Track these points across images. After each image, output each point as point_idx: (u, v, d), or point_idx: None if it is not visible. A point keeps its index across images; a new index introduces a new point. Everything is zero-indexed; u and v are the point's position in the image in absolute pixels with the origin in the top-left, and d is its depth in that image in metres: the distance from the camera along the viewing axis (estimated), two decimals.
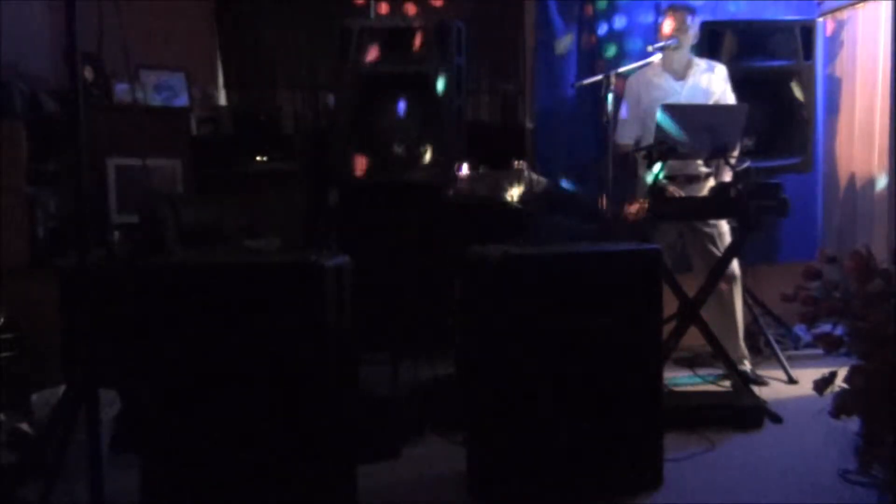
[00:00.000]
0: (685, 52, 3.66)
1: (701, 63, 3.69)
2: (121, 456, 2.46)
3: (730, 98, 3.66)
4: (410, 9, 4.71)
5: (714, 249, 3.56)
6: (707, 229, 3.61)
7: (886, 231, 4.12)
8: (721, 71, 3.69)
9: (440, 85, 3.66)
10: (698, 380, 3.72)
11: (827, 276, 2.30)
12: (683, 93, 3.64)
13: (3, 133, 3.14)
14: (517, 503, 2.38)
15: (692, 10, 3.64)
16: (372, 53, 3.71)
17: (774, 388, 3.58)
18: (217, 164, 4.26)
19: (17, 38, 3.47)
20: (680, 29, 3.57)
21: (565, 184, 4.24)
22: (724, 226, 3.62)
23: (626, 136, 3.70)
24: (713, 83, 3.66)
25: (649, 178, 3.26)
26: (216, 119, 4.59)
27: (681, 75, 3.67)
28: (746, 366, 3.65)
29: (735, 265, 3.59)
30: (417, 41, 3.81)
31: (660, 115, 3.29)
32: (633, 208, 3.27)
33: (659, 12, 4.19)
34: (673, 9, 3.64)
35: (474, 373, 2.44)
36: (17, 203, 3.16)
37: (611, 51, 4.28)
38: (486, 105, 5.13)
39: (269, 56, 4.95)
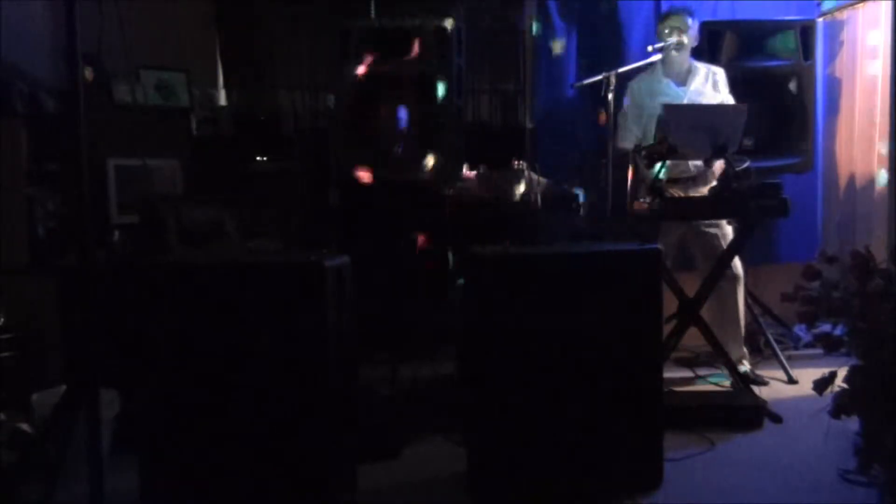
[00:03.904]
0: (686, 56, 3.65)
1: (701, 67, 3.69)
2: (121, 456, 2.47)
3: (729, 102, 3.65)
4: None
5: (722, 248, 3.55)
6: (711, 230, 3.61)
7: (886, 231, 4.11)
8: (721, 75, 3.68)
9: (440, 90, 3.66)
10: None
11: (827, 276, 2.31)
12: (685, 98, 3.64)
13: (2, 133, 3.13)
14: (517, 503, 2.38)
15: (691, 12, 3.64)
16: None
17: (774, 388, 3.58)
18: (217, 164, 4.26)
19: (17, 38, 3.46)
20: (681, 30, 3.57)
21: (565, 184, 4.24)
22: (727, 226, 3.61)
23: (626, 140, 3.69)
24: (714, 88, 3.65)
25: (650, 178, 3.26)
26: (216, 119, 4.59)
27: (682, 80, 3.67)
28: (746, 366, 3.65)
29: (738, 265, 3.59)
30: (417, 42, 3.81)
31: (660, 116, 3.29)
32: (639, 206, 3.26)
33: (658, 13, 4.19)
34: (672, 11, 3.63)
35: (474, 372, 2.44)
36: (16, 203, 3.16)
37: (610, 51, 4.27)
38: (486, 105, 5.13)
39: (269, 56, 4.95)
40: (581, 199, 3.72)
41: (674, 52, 3.59)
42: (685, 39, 3.59)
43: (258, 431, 2.17)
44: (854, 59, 4.42)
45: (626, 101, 3.74)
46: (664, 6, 4.14)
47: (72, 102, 1.99)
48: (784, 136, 3.98)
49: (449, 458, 2.68)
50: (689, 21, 3.60)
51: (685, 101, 3.62)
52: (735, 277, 3.58)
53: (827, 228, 4.53)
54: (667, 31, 3.59)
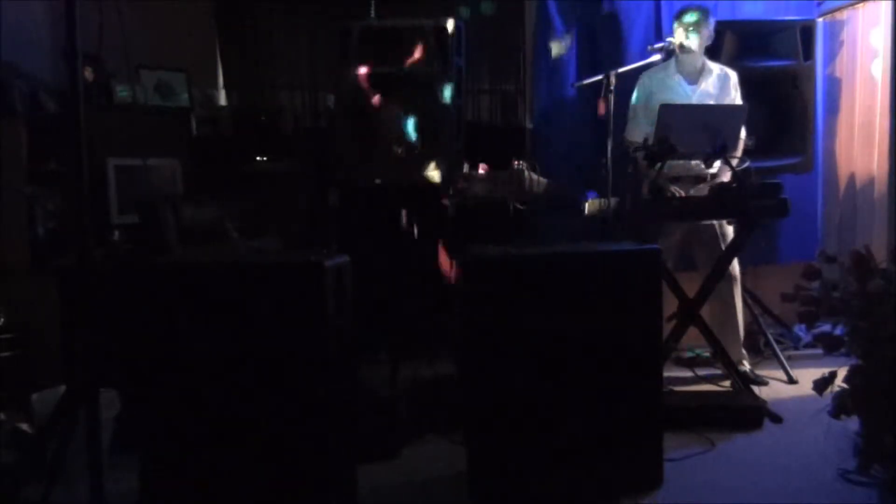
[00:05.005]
0: (699, 56, 3.63)
1: (714, 68, 3.67)
2: (121, 456, 2.47)
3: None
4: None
5: (721, 249, 3.55)
6: (712, 230, 3.60)
7: (886, 231, 4.12)
8: (733, 77, 3.66)
9: (440, 90, 3.67)
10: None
11: (827, 276, 2.31)
12: (694, 98, 3.63)
13: (3, 133, 3.14)
14: (517, 503, 2.38)
15: (707, 12, 3.61)
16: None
17: (774, 388, 3.58)
18: (217, 164, 4.26)
19: (17, 38, 3.47)
20: (695, 31, 3.54)
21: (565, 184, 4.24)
22: (728, 226, 3.61)
23: (635, 134, 3.69)
24: (725, 90, 3.64)
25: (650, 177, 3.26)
26: (216, 119, 4.59)
27: (694, 79, 3.65)
28: (746, 366, 3.65)
29: (735, 266, 3.59)
30: (417, 42, 3.81)
31: (660, 115, 3.28)
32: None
33: (659, 12, 4.19)
34: (692, 8, 3.60)
35: (474, 373, 2.44)
36: (17, 203, 3.16)
37: (610, 51, 4.27)
38: (486, 105, 5.13)
39: (269, 56, 4.96)
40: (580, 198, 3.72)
41: (687, 51, 3.55)
42: (704, 38, 3.55)
43: (258, 431, 2.17)
44: (854, 59, 4.43)
45: (637, 94, 3.73)
46: (664, 6, 4.14)
47: (72, 102, 1.99)
48: (784, 136, 3.98)
49: (449, 458, 2.68)
50: (707, 20, 3.58)
51: (694, 101, 3.62)
52: (732, 278, 3.58)
53: (827, 228, 4.53)
54: (684, 28, 3.56)
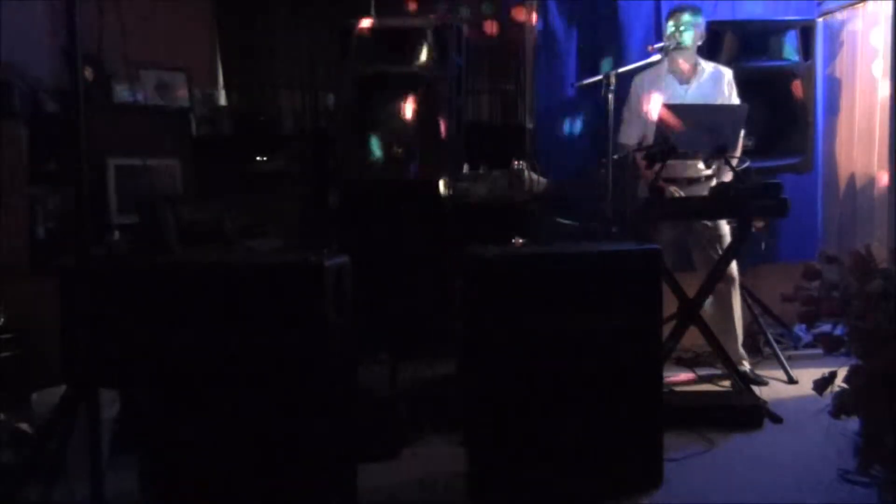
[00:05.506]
0: (691, 55, 3.64)
1: (707, 67, 3.67)
2: (121, 456, 2.47)
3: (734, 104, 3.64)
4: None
5: (717, 250, 3.55)
6: (709, 230, 3.60)
7: (886, 231, 4.11)
8: (727, 75, 3.66)
9: (440, 89, 3.67)
10: None
11: (827, 276, 2.30)
12: (687, 97, 3.63)
13: (3, 133, 3.14)
14: (517, 503, 2.38)
15: (699, 9, 3.62)
16: None
17: (774, 388, 3.58)
18: (217, 164, 4.26)
19: (17, 38, 3.47)
20: (687, 30, 3.54)
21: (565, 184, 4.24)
22: (725, 227, 3.61)
23: (629, 137, 3.69)
24: (717, 88, 3.64)
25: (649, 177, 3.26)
26: (216, 119, 4.59)
27: (686, 78, 3.66)
28: (745, 366, 3.65)
29: (733, 266, 3.58)
30: (417, 41, 3.81)
31: (659, 116, 3.29)
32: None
33: (659, 12, 4.19)
34: (682, 8, 3.61)
35: (474, 373, 2.44)
36: (17, 203, 3.16)
37: (610, 50, 4.27)
38: (486, 105, 5.13)
39: (269, 56, 4.95)
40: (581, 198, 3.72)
41: (679, 50, 3.56)
42: (695, 37, 3.56)
43: (258, 432, 2.17)
44: (854, 59, 4.43)
45: (630, 96, 3.73)
46: (664, 6, 4.14)
47: (72, 102, 1.99)
48: (784, 136, 3.98)
49: (449, 458, 2.68)
50: (699, 19, 3.58)
51: (686, 100, 3.61)
52: (730, 279, 3.58)
53: (827, 228, 4.53)
54: (675, 27, 3.56)
